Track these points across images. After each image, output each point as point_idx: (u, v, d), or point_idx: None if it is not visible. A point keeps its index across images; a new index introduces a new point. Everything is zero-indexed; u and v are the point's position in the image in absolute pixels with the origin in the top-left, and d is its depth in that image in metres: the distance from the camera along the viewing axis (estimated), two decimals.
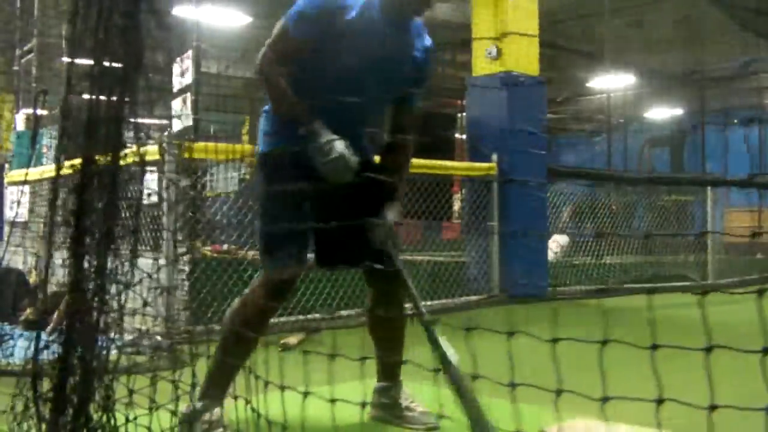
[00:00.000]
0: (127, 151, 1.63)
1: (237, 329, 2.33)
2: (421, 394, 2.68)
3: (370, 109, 2.53)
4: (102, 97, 1.54)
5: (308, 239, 2.53)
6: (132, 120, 1.58)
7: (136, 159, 1.70)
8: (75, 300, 1.51)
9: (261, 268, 2.57)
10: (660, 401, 1.18)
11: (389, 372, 2.66)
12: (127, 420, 1.75)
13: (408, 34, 2.53)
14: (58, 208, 1.60)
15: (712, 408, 1.12)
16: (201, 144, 4.81)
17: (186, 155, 4.20)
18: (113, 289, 1.61)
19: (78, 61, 1.57)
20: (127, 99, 1.54)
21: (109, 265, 1.55)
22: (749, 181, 9.28)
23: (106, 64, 1.51)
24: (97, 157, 1.54)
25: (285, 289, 2.49)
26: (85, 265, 1.52)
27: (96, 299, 1.53)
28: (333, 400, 1.67)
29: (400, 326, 2.63)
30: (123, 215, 1.66)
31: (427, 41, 2.61)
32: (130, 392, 1.80)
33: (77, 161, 1.62)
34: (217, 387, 2.34)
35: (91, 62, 1.52)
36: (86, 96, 1.55)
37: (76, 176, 1.57)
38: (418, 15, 2.52)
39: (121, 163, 1.59)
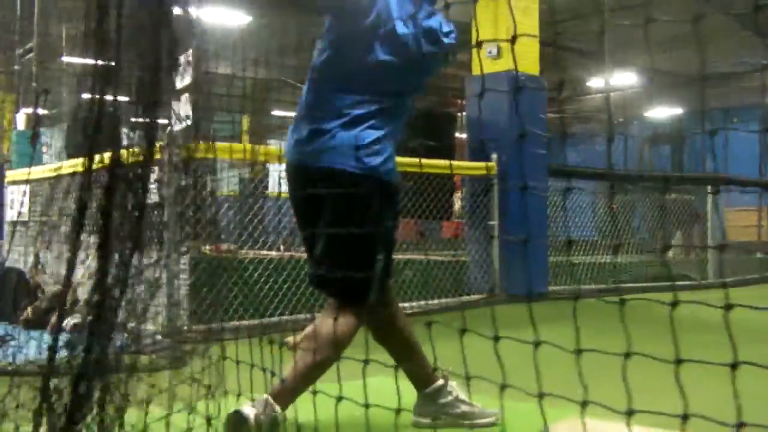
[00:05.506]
0: (137, 151, 1.62)
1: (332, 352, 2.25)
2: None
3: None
4: (122, 99, 1.54)
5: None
6: (156, 120, 1.57)
7: (147, 159, 1.68)
8: (97, 301, 1.50)
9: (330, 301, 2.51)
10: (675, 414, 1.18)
11: (414, 381, 2.55)
12: (145, 421, 1.75)
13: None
14: (77, 210, 1.58)
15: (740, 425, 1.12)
16: (202, 144, 4.81)
17: (185, 155, 4.18)
18: (136, 289, 1.61)
19: (91, 61, 1.56)
20: (150, 100, 1.53)
21: (133, 266, 1.55)
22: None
23: (125, 64, 1.51)
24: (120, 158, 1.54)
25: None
26: (110, 269, 1.51)
27: (116, 300, 1.53)
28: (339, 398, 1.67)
29: (406, 332, 2.57)
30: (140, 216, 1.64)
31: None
32: (146, 396, 1.79)
33: (83, 159, 1.60)
34: (290, 397, 2.29)
35: (112, 63, 1.52)
36: (108, 97, 1.54)
37: (85, 177, 1.56)
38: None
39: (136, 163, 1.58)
